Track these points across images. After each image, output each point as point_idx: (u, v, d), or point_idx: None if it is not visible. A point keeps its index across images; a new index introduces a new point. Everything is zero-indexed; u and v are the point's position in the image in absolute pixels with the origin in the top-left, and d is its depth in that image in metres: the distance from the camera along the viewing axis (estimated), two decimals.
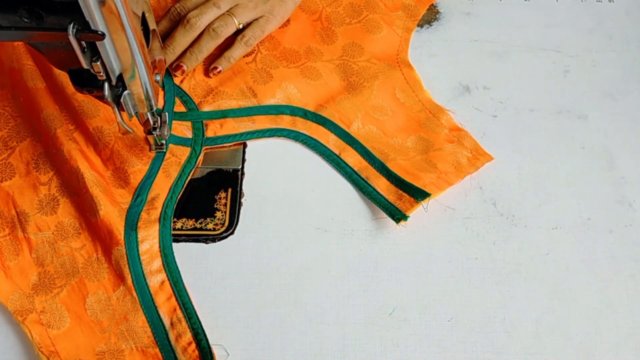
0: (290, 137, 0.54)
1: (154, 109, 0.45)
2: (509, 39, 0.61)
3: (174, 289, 0.46)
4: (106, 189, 0.49)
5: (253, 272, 0.48)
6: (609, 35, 0.62)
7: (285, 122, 0.55)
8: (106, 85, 0.38)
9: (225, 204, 0.51)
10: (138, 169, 0.51)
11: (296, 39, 0.60)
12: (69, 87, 0.53)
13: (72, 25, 0.32)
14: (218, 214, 0.51)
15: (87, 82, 0.39)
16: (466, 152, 0.53)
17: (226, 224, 0.50)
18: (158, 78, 0.45)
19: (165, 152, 0.52)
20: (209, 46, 0.55)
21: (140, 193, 0.50)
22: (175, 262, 0.48)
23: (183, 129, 0.54)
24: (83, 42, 0.34)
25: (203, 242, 0.50)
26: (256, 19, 0.57)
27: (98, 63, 0.35)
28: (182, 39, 0.55)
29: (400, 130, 0.55)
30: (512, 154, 0.54)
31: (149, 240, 0.48)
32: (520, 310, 0.47)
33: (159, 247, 0.48)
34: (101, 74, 0.36)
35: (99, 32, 0.33)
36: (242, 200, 0.51)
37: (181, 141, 0.53)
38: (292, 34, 0.60)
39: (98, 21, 0.33)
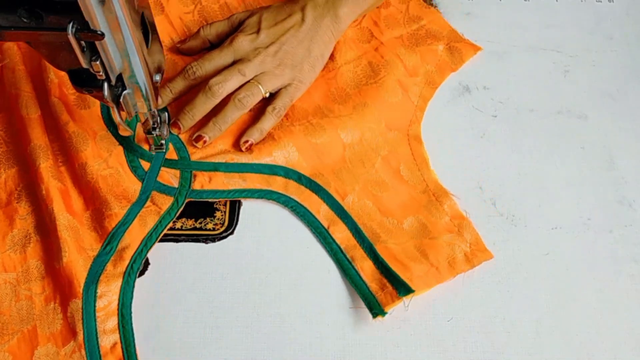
0: (280, 201, 0.51)
1: (154, 108, 0.45)
2: (509, 39, 0.61)
3: (124, 354, 0.44)
4: (77, 234, 0.47)
5: (253, 272, 0.48)
6: (609, 35, 0.62)
7: (277, 183, 0.51)
8: (106, 85, 0.38)
9: (225, 204, 0.51)
10: (114, 212, 0.48)
11: (307, 97, 0.56)
12: (63, 116, 0.51)
13: (71, 24, 0.32)
14: (218, 214, 0.51)
15: (86, 81, 0.39)
16: (464, 245, 0.49)
17: (226, 223, 0.50)
18: (157, 78, 0.45)
19: (157, 172, 0.51)
20: (233, 117, 0.52)
21: (111, 241, 0.47)
22: (131, 324, 0.45)
23: (170, 177, 0.51)
24: (82, 42, 0.34)
25: (203, 242, 0.50)
26: (284, 87, 0.54)
27: (97, 62, 0.35)
28: (202, 106, 0.52)
29: (398, 209, 0.51)
30: (512, 154, 0.54)
31: (107, 296, 0.45)
32: (520, 310, 0.47)
33: (118, 305, 0.45)
34: (100, 73, 0.36)
35: (99, 32, 0.33)
36: (242, 200, 0.51)
37: (165, 189, 0.50)
38: (304, 93, 0.56)
39: (97, 21, 0.33)
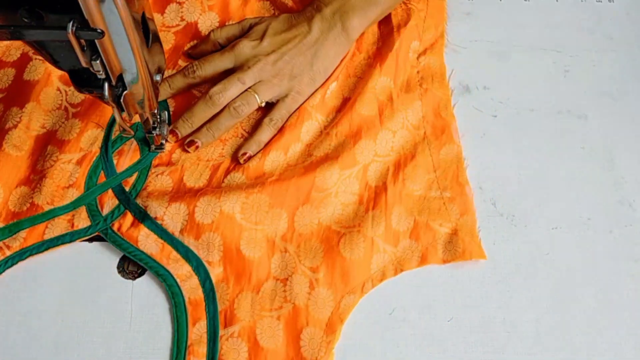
0: (164, 281, 0.47)
1: (154, 108, 0.45)
2: (509, 39, 0.61)
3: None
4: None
5: None
6: (609, 35, 0.62)
7: (184, 268, 0.47)
8: (106, 85, 0.38)
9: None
10: (40, 203, 0.49)
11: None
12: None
13: (71, 23, 0.32)
14: None
15: (87, 81, 0.39)
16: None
17: None
18: (158, 78, 0.45)
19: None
20: (227, 124, 0.52)
21: (13, 227, 0.48)
22: None
23: (108, 200, 0.49)
24: (82, 40, 0.34)
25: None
26: (282, 97, 0.53)
27: (97, 61, 0.35)
28: (201, 114, 0.52)
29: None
30: (512, 154, 0.54)
31: None
32: (520, 310, 0.47)
33: None
34: (101, 72, 0.36)
35: (98, 30, 0.33)
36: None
37: (93, 211, 0.49)
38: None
39: (97, 19, 0.33)
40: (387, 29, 0.59)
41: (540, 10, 0.63)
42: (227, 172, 0.51)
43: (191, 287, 0.46)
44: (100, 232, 0.48)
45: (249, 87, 0.52)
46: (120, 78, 0.39)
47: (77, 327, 0.45)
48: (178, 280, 0.47)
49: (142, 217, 0.48)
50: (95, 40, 0.34)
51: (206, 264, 0.47)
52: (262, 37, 0.54)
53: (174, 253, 0.47)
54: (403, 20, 0.59)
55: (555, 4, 0.64)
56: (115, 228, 0.48)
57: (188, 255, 0.47)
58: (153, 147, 0.52)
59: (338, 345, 0.45)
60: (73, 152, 0.51)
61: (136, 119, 0.50)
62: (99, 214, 0.49)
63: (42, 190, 0.49)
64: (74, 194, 0.49)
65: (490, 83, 0.58)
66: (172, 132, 0.52)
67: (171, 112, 0.54)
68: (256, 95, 0.52)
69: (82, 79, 0.39)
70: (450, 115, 0.55)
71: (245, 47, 0.53)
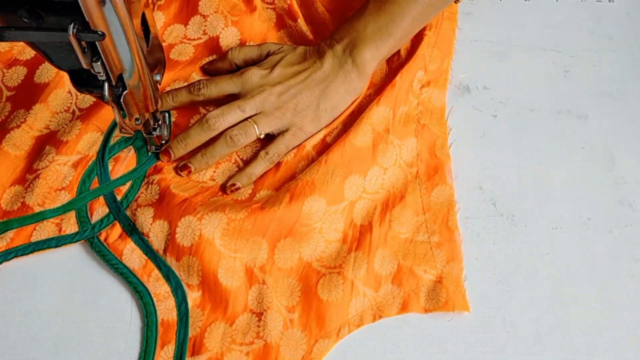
0: (136, 290, 0.47)
1: (154, 109, 0.45)
2: (509, 39, 0.61)
3: None
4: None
5: None
6: (609, 35, 0.62)
7: (163, 289, 0.47)
8: (106, 85, 0.38)
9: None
10: (31, 204, 0.49)
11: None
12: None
13: (72, 25, 0.32)
14: None
15: (87, 82, 0.39)
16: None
17: None
18: (158, 78, 0.45)
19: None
20: (222, 153, 0.51)
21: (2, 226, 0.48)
22: None
23: (98, 207, 0.49)
24: (83, 42, 0.34)
25: None
26: (282, 132, 0.52)
27: (98, 63, 0.35)
28: (196, 137, 0.50)
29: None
30: (512, 154, 0.54)
31: None
32: (520, 310, 0.47)
33: None
34: (101, 74, 0.36)
35: (99, 32, 0.33)
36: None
37: (83, 217, 0.49)
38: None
39: (98, 21, 0.33)
40: (395, 59, 0.57)
41: (540, 10, 0.63)
42: (214, 195, 0.50)
43: (167, 309, 0.46)
44: (87, 240, 0.48)
45: (250, 117, 0.51)
46: (120, 78, 0.39)
47: (77, 327, 0.45)
48: (155, 299, 0.46)
49: (131, 230, 0.48)
50: (96, 42, 0.34)
51: (185, 287, 0.46)
52: (273, 68, 0.52)
53: (156, 271, 0.47)
54: (410, 47, 0.57)
55: (555, 4, 0.64)
56: (102, 237, 0.48)
57: (169, 275, 0.47)
58: (153, 147, 0.51)
59: (338, 345, 0.45)
60: (70, 154, 0.50)
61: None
62: (88, 221, 0.48)
63: (34, 191, 0.48)
64: (65, 197, 0.49)
65: (490, 83, 0.58)
66: (165, 151, 0.51)
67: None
68: (255, 127, 0.51)
69: (82, 79, 0.39)
70: (445, 155, 0.53)
71: (254, 76, 0.52)
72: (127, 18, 0.35)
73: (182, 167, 0.51)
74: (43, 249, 0.47)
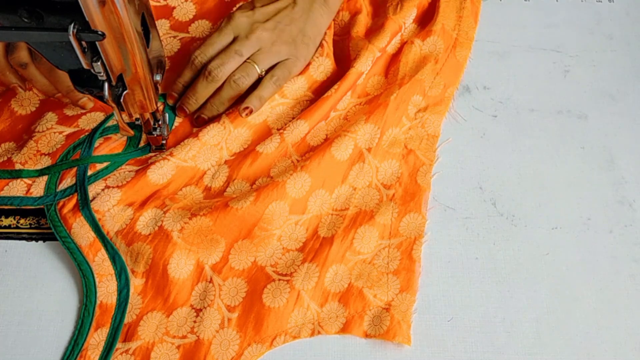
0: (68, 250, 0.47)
1: (154, 109, 0.45)
2: (509, 39, 0.61)
3: None
4: None
5: None
6: (609, 35, 0.62)
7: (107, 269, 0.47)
8: (106, 85, 0.39)
9: None
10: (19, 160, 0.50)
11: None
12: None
13: (72, 25, 0.32)
14: None
15: (87, 82, 0.39)
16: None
17: None
18: (158, 78, 0.45)
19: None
20: (229, 97, 0.53)
21: None
22: None
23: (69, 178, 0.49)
24: (83, 42, 0.34)
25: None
26: (281, 61, 0.54)
27: (98, 63, 0.35)
28: (204, 90, 0.53)
29: None
30: (512, 154, 0.54)
31: None
32: (520, 310, 0.47)
33: None
34: (101, 74, 0.36)
35: (99, 32, 0.33)
36: None
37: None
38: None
39: (98, 21, 0.33)
40: (391, 70, 0.57)
41: (540, 10, 0.63)
42: (187, 185, 0.51)
43: (108, 291, 0.46)
44: (45, 205, 0.48)
45: (248, 58, 0.53)
46: (120, 78, 0.40)
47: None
48: (97, 280, 0.46)
49: (84, 204, 0.48)
50: (96, 42, 0.34)
51: (130, 272, 0.47)
52: (252, 9, 0.55)
53: (103, 251, 0.47)
54: (411, 70, 0.57)
55: (555, 4, 0.64)
56: (59, 206, 0.48)
57: (115, 258, 0.47)
58: (153, 147, 0.52)
59: (338, 345, 0.45)
60: (68, 126, 0.52)
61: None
62: (54, 188, 0.49)
63: (22, 150, 0.50)
64: (46, 162, 0.50)
65: (490, 83, 0.58)
66: (180, 108, 0.53)
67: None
68: (255, 66, 0.53)
69: (82, 79, 0.39)
70: (426, 184, 0.52)
71: (242, 17, 0.54)
72: (127, 18, 0.35)
73: (197, 118, 0.54)
74: (6, 205, 0.49)
